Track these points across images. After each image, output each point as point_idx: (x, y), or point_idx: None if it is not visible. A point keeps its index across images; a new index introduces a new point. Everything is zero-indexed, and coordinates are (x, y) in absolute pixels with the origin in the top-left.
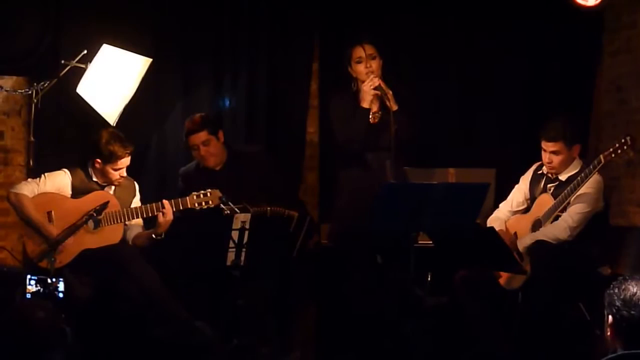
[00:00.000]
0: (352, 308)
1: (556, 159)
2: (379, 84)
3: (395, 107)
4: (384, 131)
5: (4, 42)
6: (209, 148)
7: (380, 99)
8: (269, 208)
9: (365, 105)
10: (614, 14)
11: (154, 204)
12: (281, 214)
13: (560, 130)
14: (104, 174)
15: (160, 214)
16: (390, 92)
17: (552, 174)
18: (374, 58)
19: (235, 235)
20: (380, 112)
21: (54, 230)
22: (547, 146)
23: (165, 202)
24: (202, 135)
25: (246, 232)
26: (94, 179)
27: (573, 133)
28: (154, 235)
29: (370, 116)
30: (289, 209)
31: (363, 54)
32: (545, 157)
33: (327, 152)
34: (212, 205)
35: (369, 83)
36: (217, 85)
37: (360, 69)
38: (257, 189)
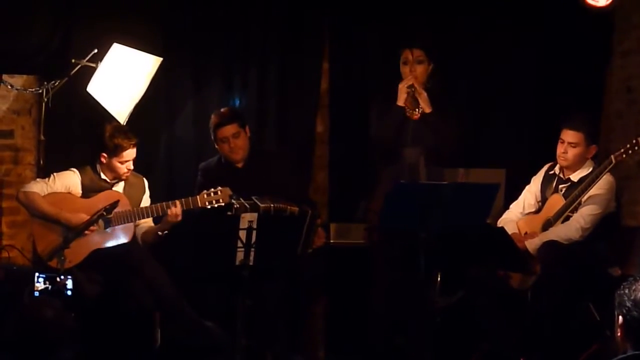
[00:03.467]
0: (373, 309)
1: (572, 152)
2: (413, 83)
3: (428, 110)
4: (423, 128)
5: (15, 40)
6: (238, 141)
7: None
8: (272, 205)
9: (399, 103)
10: (624, 15)
11: (164, 203)
12: (284, 210)
13: (583, 122)
14: (111, 169)
15: (170, 210)
16: (424, 94)
17: (563, 168)
18: (420, 62)
19: (242, 235)
20: (421, 109)
21: (73, 217)
22: (567, 135)
23: (177, 202)
24: (233, 128)
25: (254, 232)
26: (103, 176)
27: (593, 131)
28: (159, 232)
29: (416, 112)
30: (292, 205)
31: (410, 57)
32: (561, 148)
33: (337, 152)
34: (223, 204)
35: (404, 82)
36: (227, 84)
37: (405, 70)
38: (275, 188)
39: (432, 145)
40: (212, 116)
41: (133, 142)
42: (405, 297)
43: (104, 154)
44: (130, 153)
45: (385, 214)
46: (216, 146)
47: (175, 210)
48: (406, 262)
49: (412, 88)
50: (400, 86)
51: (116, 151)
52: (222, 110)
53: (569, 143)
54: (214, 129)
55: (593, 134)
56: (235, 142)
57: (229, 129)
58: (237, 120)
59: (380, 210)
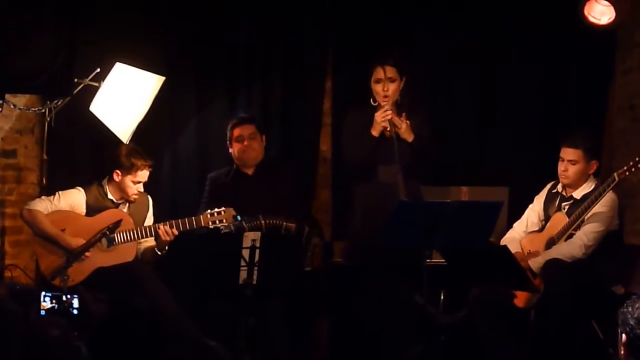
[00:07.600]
0: (365, 326)
1: (572, 169)
2: (391, 119)
3: (410, 139)
4: (398, 145)
5: (18, 60)
6: (253, 143)
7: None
8: (264, 222)
9: (374, 133)
10: (627, 33)
11: (165, 222)
12: (279, 226)
13: (581, 139)
14: (121, 189)
15: (160, 229)
16: (404, 126)
17: (565, 186)
18: (393, 81)
19: (246, 253)
20: (394, 127)
21: (73, 240)
22: (566, 153)
23: (172, 222)
24: (250, 128)
25: (257, 251)
26: (109, 196)
27: (592, 147)
28: (157, 250)
29: (388, 129)
30: (289, 221)
31: (382, 76)
32: (561, 166)
33: (340, 170)
34: (226, 224)
35: (382, 114)
36: (230, 103)
37: (377, 89)
38: (279, 200)
39: (410, 161)
40: (231, 120)
41: (149, 164)
42: (404, 314)
43: (118, 171)
44: (144, 174)
45: (389, 234)
46: (230, 150)
47: (165, 228)
48: (391, 281)
49: (390, 124)
50: (376, 117)
51: (131, 170)
52: (241, 114)
53: (569, 161)
54: (231, 128)
55: (592, 149)
56: (250, 143)
57: (247, 128)
58: (255, 123)
59: (384, 229)
